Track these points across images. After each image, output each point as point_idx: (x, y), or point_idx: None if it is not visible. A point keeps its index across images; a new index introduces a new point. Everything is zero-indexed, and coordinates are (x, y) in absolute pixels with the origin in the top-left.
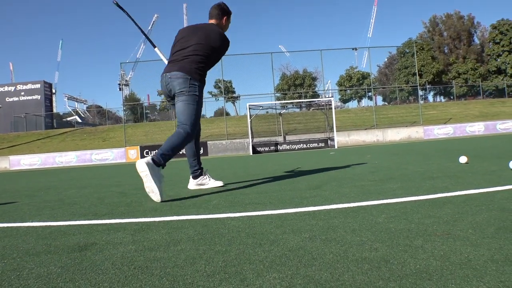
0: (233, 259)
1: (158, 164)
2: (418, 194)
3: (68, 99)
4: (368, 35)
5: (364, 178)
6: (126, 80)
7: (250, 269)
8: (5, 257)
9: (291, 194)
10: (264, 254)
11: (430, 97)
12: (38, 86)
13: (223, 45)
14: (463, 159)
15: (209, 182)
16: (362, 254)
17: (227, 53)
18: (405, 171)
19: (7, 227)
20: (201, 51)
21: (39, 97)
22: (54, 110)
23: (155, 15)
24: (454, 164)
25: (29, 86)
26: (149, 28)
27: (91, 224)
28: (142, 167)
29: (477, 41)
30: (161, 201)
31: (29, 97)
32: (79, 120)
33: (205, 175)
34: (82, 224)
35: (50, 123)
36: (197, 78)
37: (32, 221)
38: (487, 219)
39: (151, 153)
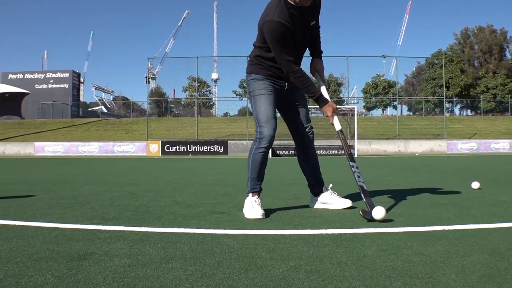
0: (216, 284)
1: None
2: (418, 225)
3: (95, 89)
4: (398, 43)
5: None
6: (153, 74)
7: None
8: (9, 260)
9: (293, 212)
10: (246, 282)
11: (456, 110)
12: (67, 75)
13: (261, 22)
14: (475, 185)
15: (334, 201)
16: None
17: None
18: (413, 194)
19: (18, 225)
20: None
21: (67, 85)
22: (81, 99)
23: (186, 11)
24: (466, 189)
25: (58, 75)
26: (180, 23)
27: (95, 229)
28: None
29: (509, 56)
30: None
31: (58, 85)
32: (105, 110)
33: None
34: (87, 229)
35: (76, 112)
36: (250, 71)
37: (42, 221)
38: (474, 263)
39: (172, 149)
